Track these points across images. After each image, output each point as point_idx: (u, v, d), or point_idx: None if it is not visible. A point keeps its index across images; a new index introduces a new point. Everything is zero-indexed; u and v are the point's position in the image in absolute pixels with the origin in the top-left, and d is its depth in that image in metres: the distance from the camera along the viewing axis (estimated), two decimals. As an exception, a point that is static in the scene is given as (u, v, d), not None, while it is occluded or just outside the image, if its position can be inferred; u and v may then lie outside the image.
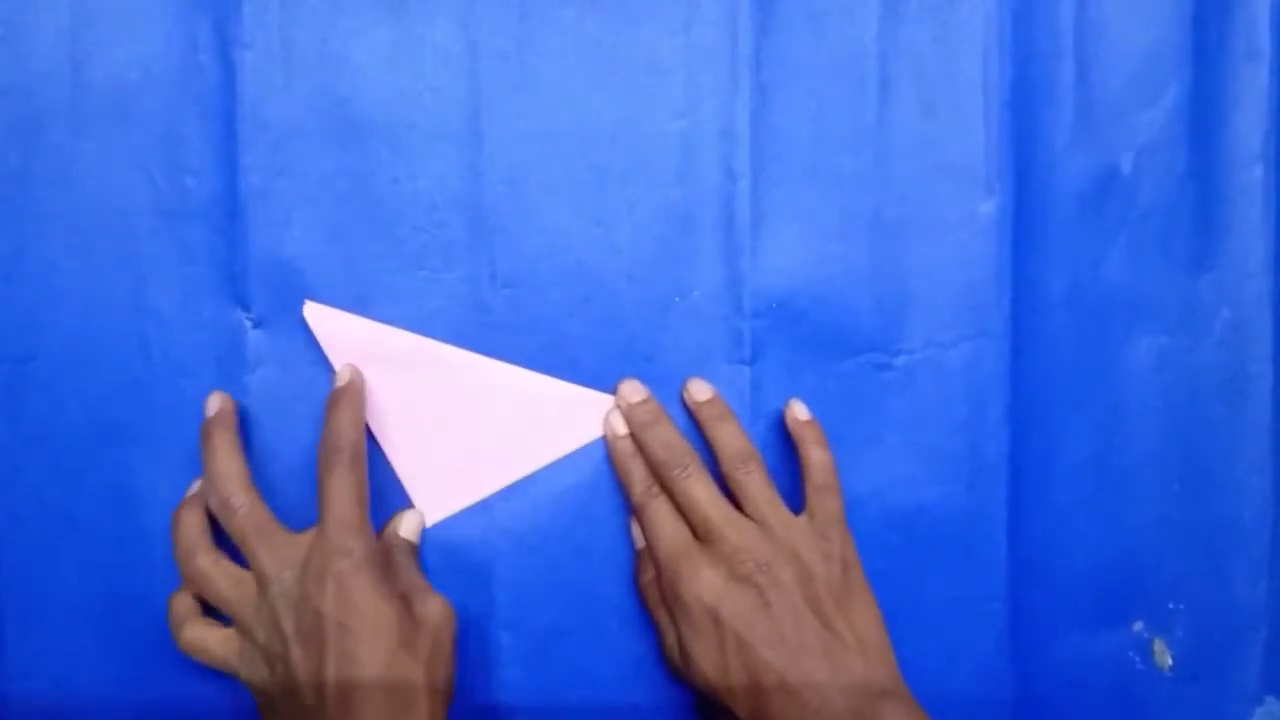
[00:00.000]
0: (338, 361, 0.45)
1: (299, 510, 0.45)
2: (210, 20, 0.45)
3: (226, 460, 0.42)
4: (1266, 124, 0.47)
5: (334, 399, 0.43)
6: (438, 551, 0.46)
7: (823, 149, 0.46)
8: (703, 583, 0.41)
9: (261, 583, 0.41)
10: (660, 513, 0.43)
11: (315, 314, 0.45)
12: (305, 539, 0.42)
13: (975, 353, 0.46)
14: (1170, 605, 0.48)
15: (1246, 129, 0.47)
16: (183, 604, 0.43)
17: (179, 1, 0.45)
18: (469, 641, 0.46)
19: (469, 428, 0.45)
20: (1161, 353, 0.47)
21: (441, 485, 0.46)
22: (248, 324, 0.45)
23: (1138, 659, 0.48)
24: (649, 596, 0.44)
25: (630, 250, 0.46)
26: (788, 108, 0.46)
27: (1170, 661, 0.48)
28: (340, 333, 0.45)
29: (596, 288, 0.46)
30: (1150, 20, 0.47)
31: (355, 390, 0.43)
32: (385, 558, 0.42)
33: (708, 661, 0.41)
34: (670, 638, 0.43)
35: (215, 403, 0.44)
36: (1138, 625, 0.48)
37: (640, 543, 0.45)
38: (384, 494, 0.45)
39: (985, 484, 0.47)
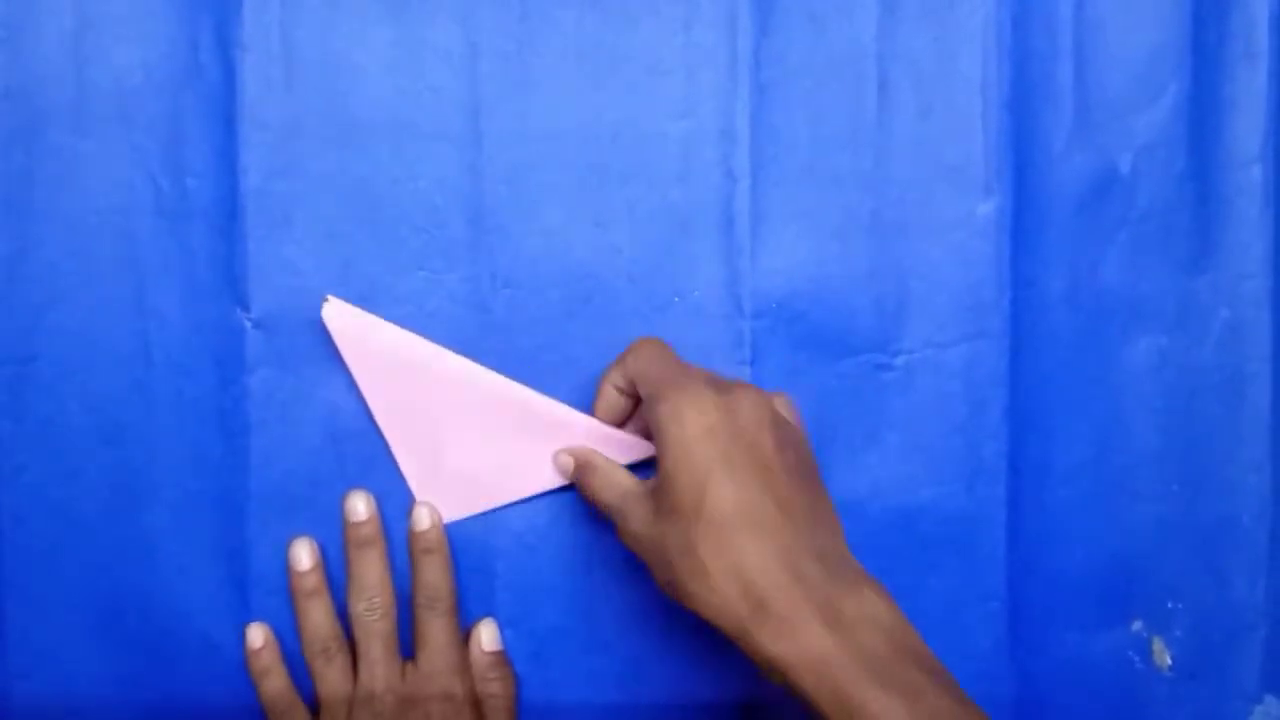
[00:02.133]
0: (353, 363, 0.44)
1: (299, 510, 0.45)
2: (210, 21, 0.45)
3: (380, 570, 0.44)
4: (1265, 125, 0.47)
5: (421, 547, 0.44)
6: (438, 551, 0.46)
7: (822, 149, 0.46)
8: None
9: (365, 695, 0.43)
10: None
11: (334, 311, 0.44)
12: (408, 669, 0.44)
13: (974, 353, 0.46)
14: (1169, 604, 0.48)
15: (1245, 130, 0.47)
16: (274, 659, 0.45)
17: (179, 3, 0.45)
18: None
19: (478, 442, 0.45)
20: (1160, 353, 0.47)
21: (446, 493, 0.45)
22: (248, 324, 0.45)
23: (1137, 658, 0.48)
24: None
25: (630, 250, 0.46)
26: (787, 108, 0.46)
27: (1169, 661, 0.48)
28: (358, 333, 0.44)
29: (596, 288, 0.46)
30: (1149, 21, 0.47)
31: (440, 538, 0.45)
32: (479, 704, 0.44)
33: None
34: None
35: (364, 510, 0.44)
36: (1137, 624, 0.48)
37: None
38: (392, 496, 0.46)
39: (984, 484, 0.47)
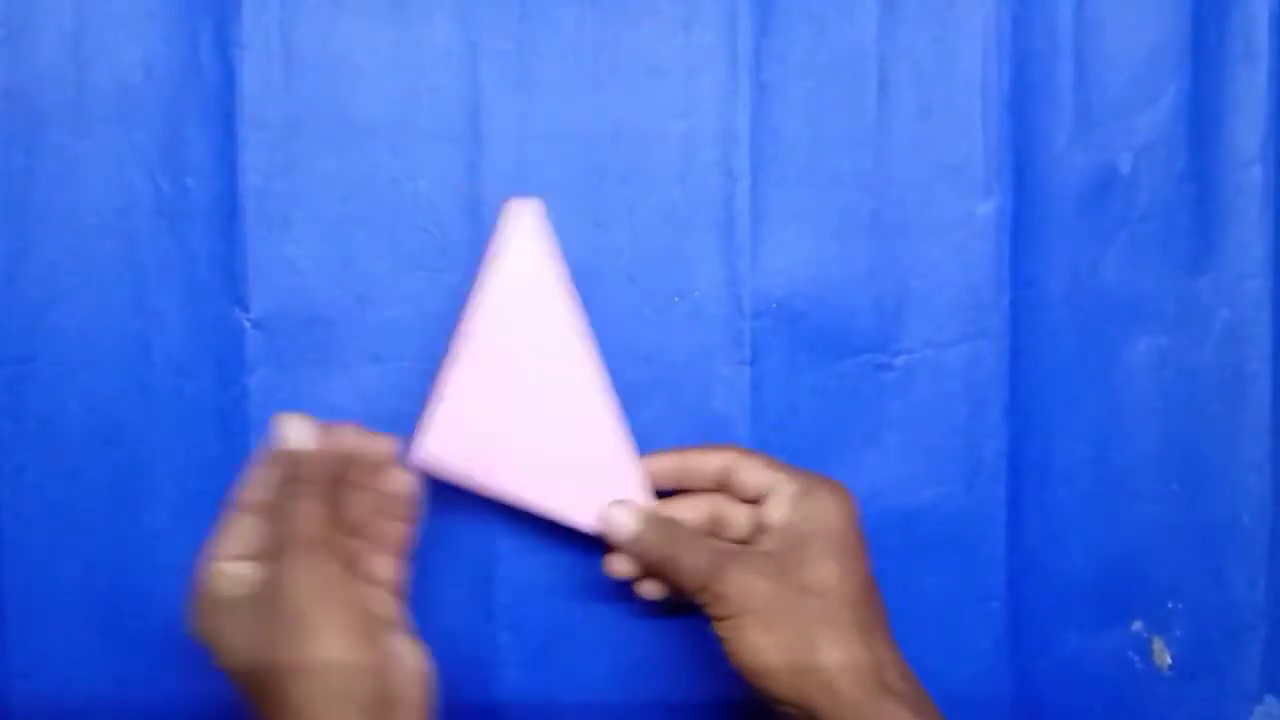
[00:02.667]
0: (498, 267, 0.41)
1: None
2: (210, 21, 0.45)
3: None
4: (1265, 125, 0.47)
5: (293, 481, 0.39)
6: (439, 552, 0.46)
7: (822, 149, 0.46)
8: None
9: None
10: None
11: (529, 211, 0.42)
12: None
13: (974, 353, 0.47)
14: (1169, 604, 0.48)
15: (1245, 130, 0.47)
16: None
17: (179, 3, 0.45)
18: (469, 641, 0.46)
19: (530, 433, 0.42)
20: (1160, 353, 0.47)
21: (454, 435, 0.41)
22: (247, 324, 0.45)
23: (1137, 658, 0.48)
24: None
25: (630, 250, 0.46)
26: (787, 108, 0.46)
27: (1169, 661, 0.48)
28: (527, 249, 0.42)
29: (596, 288, 0.46)
30: (1149, 21, 0.47)
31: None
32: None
33: None
34: None
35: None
36: (1137, 624, 0.48)
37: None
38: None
39: (984, 484, 0.47)
